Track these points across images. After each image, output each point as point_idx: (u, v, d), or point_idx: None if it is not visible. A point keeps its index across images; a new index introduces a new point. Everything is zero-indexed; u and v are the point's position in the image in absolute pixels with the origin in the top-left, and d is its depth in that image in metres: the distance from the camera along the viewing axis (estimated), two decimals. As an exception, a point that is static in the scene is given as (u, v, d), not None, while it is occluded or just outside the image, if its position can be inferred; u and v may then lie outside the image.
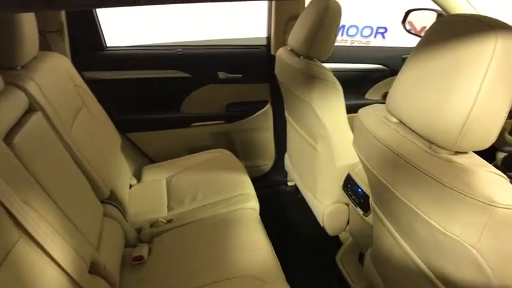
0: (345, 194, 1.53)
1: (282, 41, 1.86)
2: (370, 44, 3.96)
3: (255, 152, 2.18)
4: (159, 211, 1.60)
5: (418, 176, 0.76)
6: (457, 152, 0.73)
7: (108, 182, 1.41)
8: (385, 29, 4.05)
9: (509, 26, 0.68)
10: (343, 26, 4.08)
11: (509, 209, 0.63)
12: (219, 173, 1.76)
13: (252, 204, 1.57)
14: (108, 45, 1.85)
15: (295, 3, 1.80)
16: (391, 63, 2.10)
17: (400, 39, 2.32)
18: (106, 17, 1.81)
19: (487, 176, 0.68)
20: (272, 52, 1.94)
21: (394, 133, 0.85)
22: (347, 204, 1.62)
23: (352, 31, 4.07)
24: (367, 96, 2.20)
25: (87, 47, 1.79)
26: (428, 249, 0.85)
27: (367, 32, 4.10)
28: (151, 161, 2.03)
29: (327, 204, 1.62)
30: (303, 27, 1.48)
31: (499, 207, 0.63)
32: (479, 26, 0.68)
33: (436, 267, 0.86)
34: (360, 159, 1.04)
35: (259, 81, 2.01)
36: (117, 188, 1.49)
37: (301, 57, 1.51)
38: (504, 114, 0.70)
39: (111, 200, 1.44)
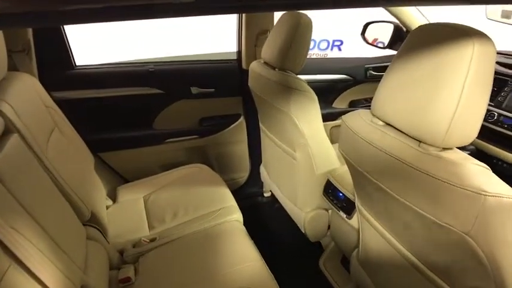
0: (326, 200, 1.58)
1: (253, 55, 1.91)
2: (328, 57, 4.14)
3: (230, 165, 2.19)
4: (140, 231, 1.56)
5: (411, 173, 0.81)
6: (444, 149, 0.80)
7: (88, 203, 1.36)
8: (341, 41, 4.26)
9: (483, 33, 0.76)
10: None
11: (499, 197, 0.70)
12: (198, 188, 1.75)
13: (236, 216, 1.57)
14: (77, 64, 1.79)
15: (265, 18, 1.85)
16: (355, 73, 2.21)
17: (355, 51, 2.45)
18: (75, 35, 1.77)
19: (475, 168, 0.74)
20: (243, 66, 1.98)
21: (383, 135, 0.90)
22: (327, 210, 1.67)
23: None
24: (334, 105, 2.29)
25: (56, 66, 1.73)
26: (422, 242, 0.91)
27: (323, 45, 4.28)
28: (126, 180, 1.98)
29: (307, 211, 1.66)
30: (277, 42, 1.53)
31: (489, 195, 0.69)
32: (458, 33, 0.75)
33: (429, 259, 0.91)
34: (348, 162, 1.09)
35: (231, 94, 2.03)
36: (97, 209, 1.44)
37: (276, 69, 1.56)
38: (483, 112, 0.78)
39: (91, 222, 1.39)
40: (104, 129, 1.89)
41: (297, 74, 1.54)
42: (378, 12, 2.22)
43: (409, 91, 0.83)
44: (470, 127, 0.78)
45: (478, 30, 0.76)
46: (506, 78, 1.70)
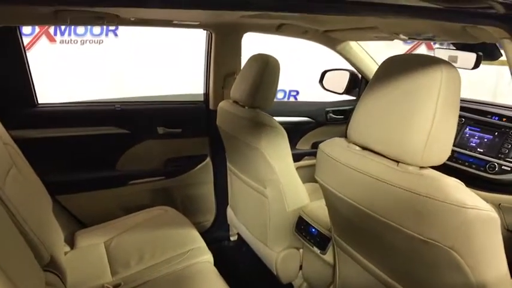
0: (298, 237, 1.57)
1: (220, 96, 1.95)
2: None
3: (195, 208, 2.13)
4: (101, 277, 1.44)
5: (393, 192, 0.85)
6: (421, 168, 0.85)
7: (48, 247, 1.25)
8: (297, 92, 4.49)
9: (448, 62, 0.85)
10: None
11: (477, 209, 0.74)
12: (164, 230, 1.67)
13: (206, 257, 1.51)
14: (40, 101, 1.73)
15: (232, 61, 1.93)
16: (317, 115, 2.31)
17: (311, 99, 2.59)
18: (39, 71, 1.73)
19: (453, 183, 0.79)
20: (211, 106, 2.00)
21: (361, 158, 0.94)
22: (298, 249, 1.65)
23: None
24: (297, 146, 2.35)
25: (18, 103, 1.65)
26: (405, 264, 0.92)
27: (280, 95, 4.48)
28: (84, 225, 1.85)
29: (278, 251, 1.63)
30: (247, 81, 1.59)
31: (469, 208, 0.74)
32: (427, 61, 0.84)
33: (413, 282, 0.93)
34: (326, 190, 1.11)
35: (198, 135, 2.03)
36: (56, 254, 1.32)
37: (246, 107, 1.60)
38: (454, 131, 0.85)
39: (50, 267, 1.27)
40: (63, 170, 1.79)
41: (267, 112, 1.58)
42: (333, 61, 2.40)
43: (385, 115, 0.89)
44: (444, 145, 0.84)
45: (443, 60, 0.85)
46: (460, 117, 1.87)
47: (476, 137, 1.75)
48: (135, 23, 1.60)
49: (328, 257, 1.40)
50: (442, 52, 1.75)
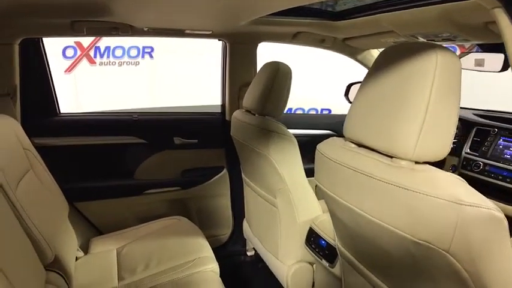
0: (308, 250, 1.49)
1: (236, 107, 1.94)
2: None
3: (212, 220, 2.10)
4: (107, 282, 1.45)
5: (384, 189, 0.77)
6: (416, 163, 0.77)
7: (53, 247, 1.28)
8: (329, 110, 4.42)
9: (446, 47, 0.78)
10: (290, 109, 4.40)
11: (476, 206, 0.65)
12: (174, 239, 1.66)
13: (211, 266, 1.47)
14: (62, 111, 1.81)
15: (247, 72, 1.92)
16: (338, 128, 2.24)
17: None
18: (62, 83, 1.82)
19: (449, 177, 0.71)
20: (227, 118, 2.00)
21: (355, 155, 0.87)
22: (311, 264, 1.56)
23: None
24: None
25: (40, 112, 1.74)
26: (402, 269, 0.83)
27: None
28: (100, 232, 1.88)
29: (290, 265, 1.56)
30: (257, 89, 1.57)
31: (466, 205, 0.65)
32: (421, 46, 0.77)
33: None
34: (324, 193, 1.04)
35: (214, 146, 2.03)
36: (63, 255, 1.35)
37: (256, 115, 1.58)
38: (454, 125, 0.76)
39: (55, 267, 1.29)
40: (82, 178, 1.84)
41: (278, 120, 1.55)
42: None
43: (378, 107, 0.83)
44: (441, 139, 0.75)
45: (439, 44, 0.78)
46: (488, 128, 1.73)
47: (511, 149, 1.60)
48: (148, 33, 1.65)
49: (336, 270, 1.31)
50: (469, 56, 1.64)
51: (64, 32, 1.52)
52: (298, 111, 4.46)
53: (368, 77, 0.88)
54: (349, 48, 1.96)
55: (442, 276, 0.73)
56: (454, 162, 1.85)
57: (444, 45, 0.78)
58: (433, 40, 1.47)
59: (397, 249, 0.80)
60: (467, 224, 0.65)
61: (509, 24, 0.80)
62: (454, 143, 1.95)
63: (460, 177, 0.73)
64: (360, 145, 0.91)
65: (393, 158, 0.79)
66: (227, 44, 1.92)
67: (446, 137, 0.76)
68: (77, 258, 1.59)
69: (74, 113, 1.85)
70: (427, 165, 0.77)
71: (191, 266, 1.46)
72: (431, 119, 0.73)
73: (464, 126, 1.87)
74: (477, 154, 1.70)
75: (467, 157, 1.74)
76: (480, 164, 1.65)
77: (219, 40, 1.93)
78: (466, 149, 1.78)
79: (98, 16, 1.44)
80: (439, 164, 1.92)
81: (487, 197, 1.70)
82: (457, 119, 0.77)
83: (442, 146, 0.76)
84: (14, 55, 1.56)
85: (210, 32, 1.73)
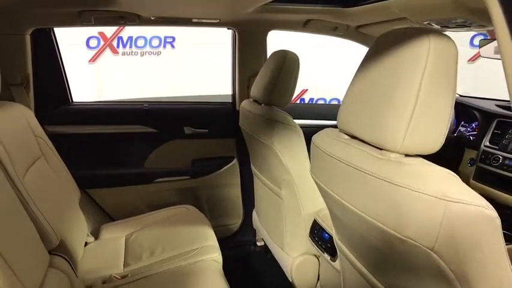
0: (312, 243, 1.47)
1: (245, 96, 1.92)
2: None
3: (222, 210, 2.11)
4: (113, 267, 1.48)
5: (369, 182, 0.74)
6: (406, 156, 0.73)
7: (59, 232, 1.31)
8: (338, 100, 4.33)
9: (441, 32, 0.72)
10: (312, 99, 4.34)
11: (464, 203, 0.60)
12: (181, 228, 1.68)
13: (214, 256, 1.48)
14: (74, 100, 1.85)
15: (257, 61, 1.90)
16: None
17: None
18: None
19: (438, 172, 0.66)
20: (237, 107, 1.99)
21: (345, 146, 0.84)
22: (317, 257, 1.54)
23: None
24: None
25: (53, 101, 1.79)
26: (393, 269, 0.80)
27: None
28: (111, 219, 1.92)
29: (294, 257, 1.54)
30: (264, 77, 1.55)
31: (452, 201, 0.60)
32: (414, 32, 0.72)
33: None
34: (319, 186, 1.01)
35: (225, 136, 2.02)
36: (69, 240, 1.39)
37: (262, 104, 1.55)
38: (448, 116, 0.71)
39: (61, 252, 1.33)
40: (94, 165, 1.89)
41: (284, 110, 1.52)
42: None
43: (369, 99, 0.79)
44: (432, 131, 0.71)
45: (434, 29, 0.72)
46: (510, 120, 1.63)
47: (534, 143, 1.51)
48: (155, 23, 1.65)
49: (337, 264, 1.28)
50: (490, 44, 1.55)
51: (73, 22, 1.55)
52: (320, 101, 4.41)
53: (361, 65, 0.84)
54: (362, 36, 1.89)
55: (429, 276, 0.69)
56: (472, 155, 1.77)
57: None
58: (447, 27, 1.39)
59: (384, 245, 0.77)
60: (453, 221, 0.61)
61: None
62: (473, 135, 1.86)
63: (452, 173, 0.68)
64: (352, 137, 0.87)
65: (382, 151, 0.75)
66: (236, 32, 1.90)
67: (439, 129, 0.71)
68: (86, 244, 1.64)
69: (86, 101, 1.89)
70: (418, 159, 0.73)
71: (194, 255, 1.47)
72: (422, 108, 0.69)
73: (485, 117, 1.78)
74: (497, 147, 1.61)
75: (486, 150, 1.65)
76: (499, 158, 1.56)
77: (228, 29, 1.91)
78: (486, 141, 1.69)
79: (105, 6, 1.45)
80: (457, 157, 1.85)
81: (506, 193, 1.62)
82: (452, 109, 0.72)
83: (435, 138, 0.71)
84: (26, 45, 1.61)
85: (218, 21, 1.70)
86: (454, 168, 1.72)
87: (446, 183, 0.64)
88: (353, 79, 0.87)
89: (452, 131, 1.97)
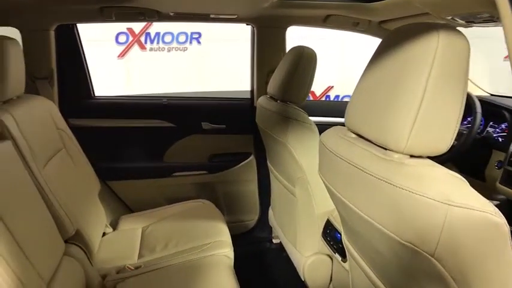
0: (324, 243, 1.45)
1: (263, 92, 1.91)
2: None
3: (239, 206, 2.12)
4: (128, 258, 1.52)
5: (373, 184, 0.71)
6: (411, 156, 0.69)
7: (75, 221, 1.36)
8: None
9: (452, 26, 0.69)
10: (338, 96, 4.26)
11: (467, 208, 0.57)
12: (195, 222, 1.70)
13: (225, 251, 1.49)
14: (96, 94, 1.91)
15: (275, 57, 1.88)
16: None
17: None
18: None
19: (443, 175, 0.63)
20: (255, 104, 1.98)
21: (351, 146, 0.82)
22: (330, 257, 1.52)
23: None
24: None
25: (76, 95, 1.85)
26: (392, 271, 0.77)
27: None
28: (130, 210, 1.97)
29: (307, 256, 1.52)
30: (280, 74, 1.53)
31: (455, 206, 0.57)
32: (423, 26, 0.69)
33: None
34: (326, 186, 0.99)
35: (242, 132, 2.02)
36: (85, 230, 1.43)
37: (278, 101, 1.54)
38: (457, 115, 0.67)
39: (77, 241, 1.38)
40: (114, 158, 1.93)
41: (301, 107, 1.50)
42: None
43: (376, 97, 0.76)
44: (439, 131, 0.67)
45: (444, 24, 0.69)
46: None
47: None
48: (174, 18, 1.66)
49: (348, 265, 1.26)
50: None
51: (94, 18, 1.59)
52: (346, 99, 4.32)
53: (370, 62, 0.82)
54: (385, 32, 1.83)
55: (431, 283, 0.66)
56: (500, 157, 1.68)
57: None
58: (473, 22, 1.32)
59: (387, 249, 0.74)
60: (455, 227, 0.58)
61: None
62: (502, 136, 1.77)
63: (460, 177, 0.64)
64: (359, 135, 0.84)
65: (387, 151, 0.72)
66: (255, 28, 1.88)
67: (446, 129, 0.67)
68: (105, 234, 1.69)
69: (108, 96, 1.95)
70: (425, 160, 0.69)
71: (206, 249, 1.49)
72: (428, 108, 0.65)
73: (515, 118, 1.68)
74: None
75: (516, 153, 1.57)
76: None
77: (246, 25, 1.90)
78: (515, 143, 1.60)
79: (126, 2, 1.48)
80: (484, 159, 1.76)
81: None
82: (463, 108, 0.68)
83: (441, 139, 0.68)
84: (51, 41, 1.66)
85: (236, 16, 1.70)
86: (480, 171, 1.64)
87: (451, 187, 0.61)
88: (362, 76, 0.84)
89: (480, 131, 1.88)
